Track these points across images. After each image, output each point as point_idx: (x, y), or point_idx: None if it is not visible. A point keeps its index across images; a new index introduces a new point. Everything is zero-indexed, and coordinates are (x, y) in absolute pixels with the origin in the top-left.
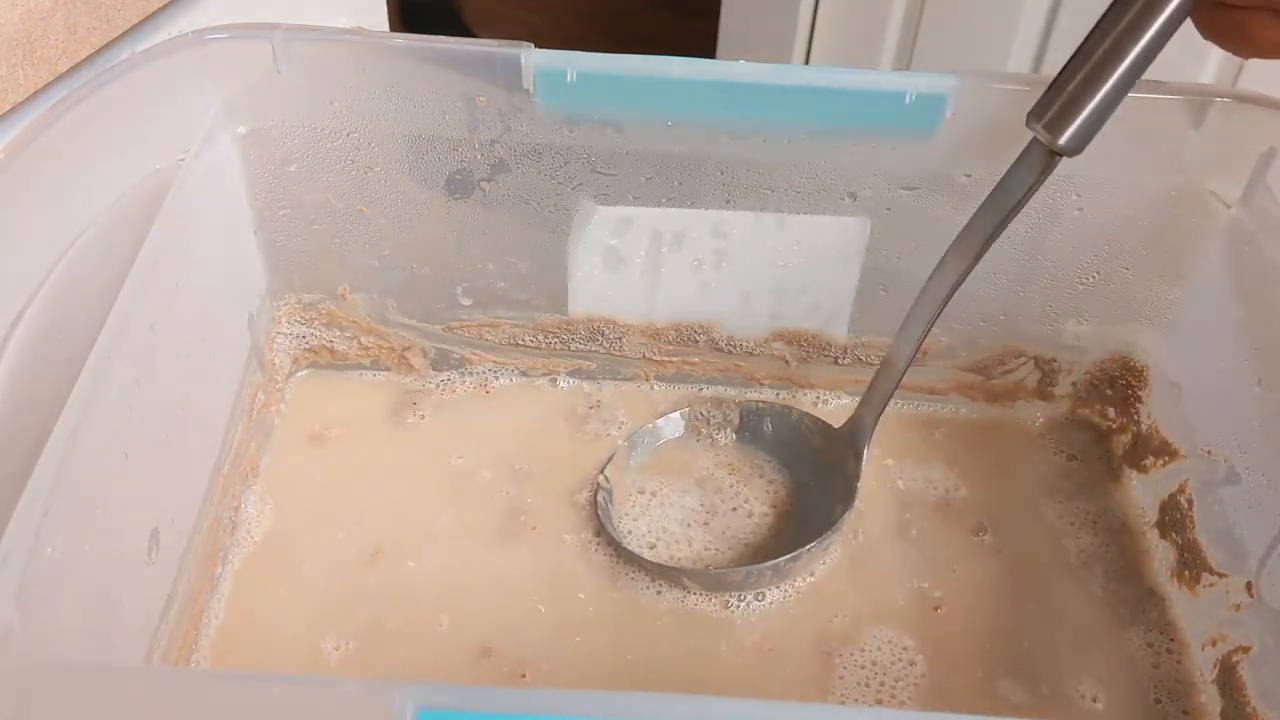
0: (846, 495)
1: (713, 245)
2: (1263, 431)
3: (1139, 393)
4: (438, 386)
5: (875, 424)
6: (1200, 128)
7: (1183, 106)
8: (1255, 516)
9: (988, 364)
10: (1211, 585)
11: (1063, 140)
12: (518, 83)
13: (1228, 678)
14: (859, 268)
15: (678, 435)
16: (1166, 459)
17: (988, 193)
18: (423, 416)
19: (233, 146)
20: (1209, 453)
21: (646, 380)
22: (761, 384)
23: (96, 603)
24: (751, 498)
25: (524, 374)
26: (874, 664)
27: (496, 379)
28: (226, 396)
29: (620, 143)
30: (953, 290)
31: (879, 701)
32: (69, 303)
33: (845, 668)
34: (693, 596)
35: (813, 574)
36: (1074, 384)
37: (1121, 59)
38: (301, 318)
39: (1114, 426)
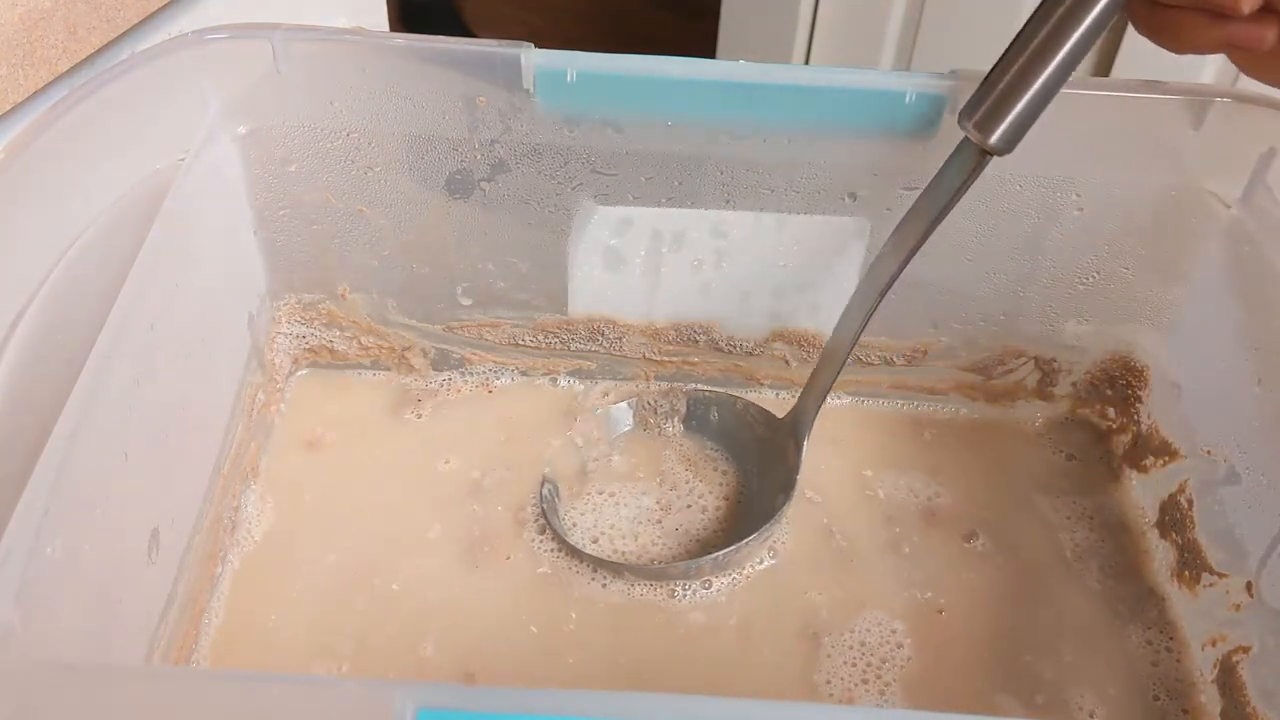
0: (787, 485)
1: (713, 245)
2: (1263, 431)
3: (1139, 393)
4: (438, 386)
5: (815, 415)
6: (1200, 128)
7: (1183, 106)
8: (1255, 516)
9: (988, 364)
10: (1211, 585)
11: (993, 140)
12: (518, 83)
13: (1228, 678)
14: (859, 268)
15: (627, 428)
16: (1166, 459)
17: (990, 191)
18: (422, 417)
19: (233, 146)
20: (1209, 453)
21: (646, 380)
22: (761, 384)
23: (96, 603)
24: (706, 492)
25: (524, 374)
26: (863, 644)
27: (497, 379)
28: (226, 396)
29: (620, 143)
30: (888, 286)
31: (866, 681)
32: (69, 303)
33: (834, 647)
34: (638, 589)
35: (773, 557)
36: (1074, 384)
37: (1049, 59)
38: (301, 318)
39: (1114, 426)
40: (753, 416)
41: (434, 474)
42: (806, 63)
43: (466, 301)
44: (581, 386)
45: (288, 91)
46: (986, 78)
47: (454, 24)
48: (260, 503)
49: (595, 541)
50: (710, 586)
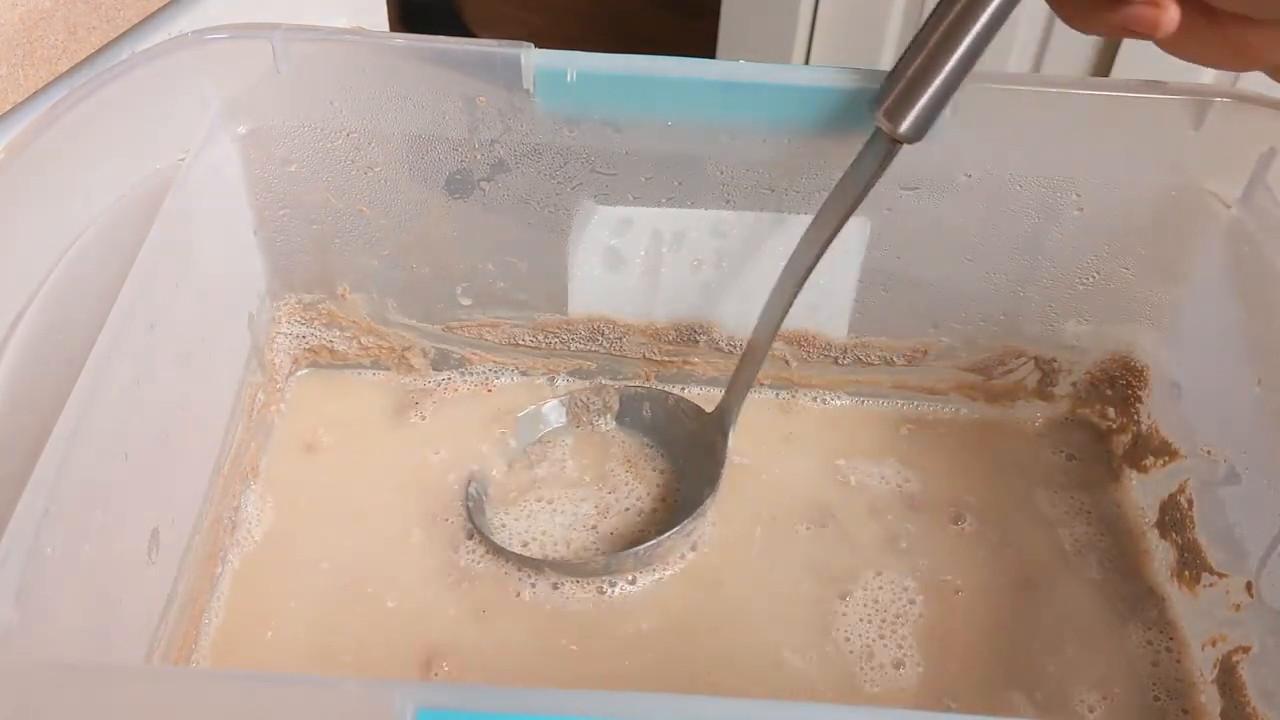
0: (713, 479)
1: (713, 245)
2: (1263, 431)
3: (1139, 393)
4: (438, 386)
5: (739, 407)
6: (1200, 128)
7: (1183, 106)
8: (1255, 516)
9: (988, 364)
10: (1211, 585)
11: (902, 128)
12: (518, 83)
13: (1228, 678)
14: (859, 268)
15: (559, 424)
16: (1166, 459)
17: (990, 191)
18: (423, 417)
19: (233, 146)
20: (1209, 453)
21: (646, 380)
22: (761, 384)
23: (96, 603)
24: (644, 493)
25: (524, 374)
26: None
27: (496, 379)
28: (226, 396)
29: (620, 143)
30: (805, 277)
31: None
32: (69, 303)
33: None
34: (566, 589)
35: (693, 550)
36: (1074, 384)
37: (955, 47)
38: (301, 318)
39: (1114, 426)
40: (683, 411)
41: (433, 473)
42: (806, 63)
43: (466, 301)
44: (581, 386)
45: (288, 91)
46: (894, 68)
47: (454, 24)
48: (260, 503)
49: (525, 546)
50: (635, 583)
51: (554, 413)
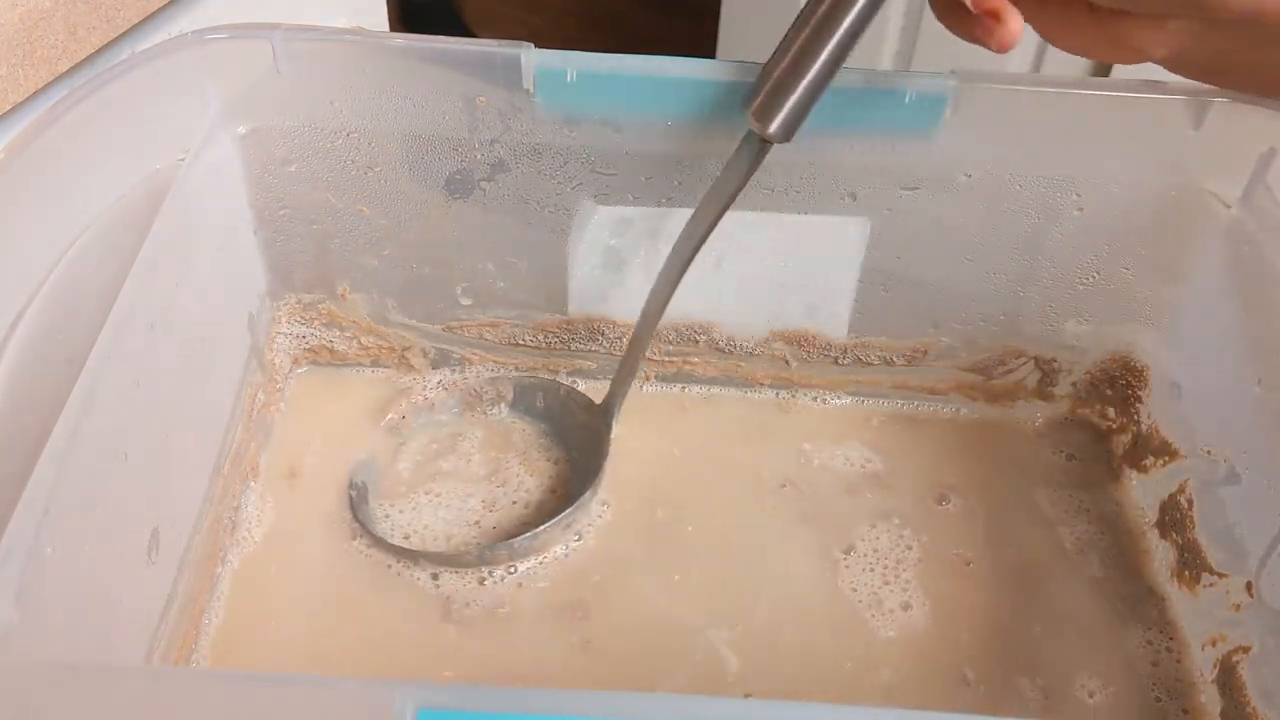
0: (596, 470)
1: (713, 245)
2: (1263, 431)
3: (1139, 393)
4: (437, 386)
5: (622, 401)
6: (1200, 128)
7: (1183, 106)
8: (1255, 516)
9: (988, 364)
10: (1211, 585)
11: (771, 129)
12: (518, 83)
13: (1228, 678)
14: (859, 268)
15: (455, 413)
16: (1166, 459)
17: (990, 191)
18: (423, 416)
19: (233, 146)
20: (1209, 453)
21: (647, 380)
22: (762, 384)
23: (96, 603)
24: (534, 486)
25: (524, 374)
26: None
27: (497, 378)
28: (226, 396)
29: (620, 143)
30: (681, 273)
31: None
32: (69, 303)
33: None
34: (445, 579)
35: (577, 539)
36: (1074, 384)
37: (821, 47)
38: (301, 318)
39: (1114, 426)
40: (575, 403)
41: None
42: None
43: (466, 301)
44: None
45: (288, 91)
46: (764, 68)
47: (454, 24)
48: (260, 503)
49: (407, 539)
50: (515, 571)
51: (447, 402)
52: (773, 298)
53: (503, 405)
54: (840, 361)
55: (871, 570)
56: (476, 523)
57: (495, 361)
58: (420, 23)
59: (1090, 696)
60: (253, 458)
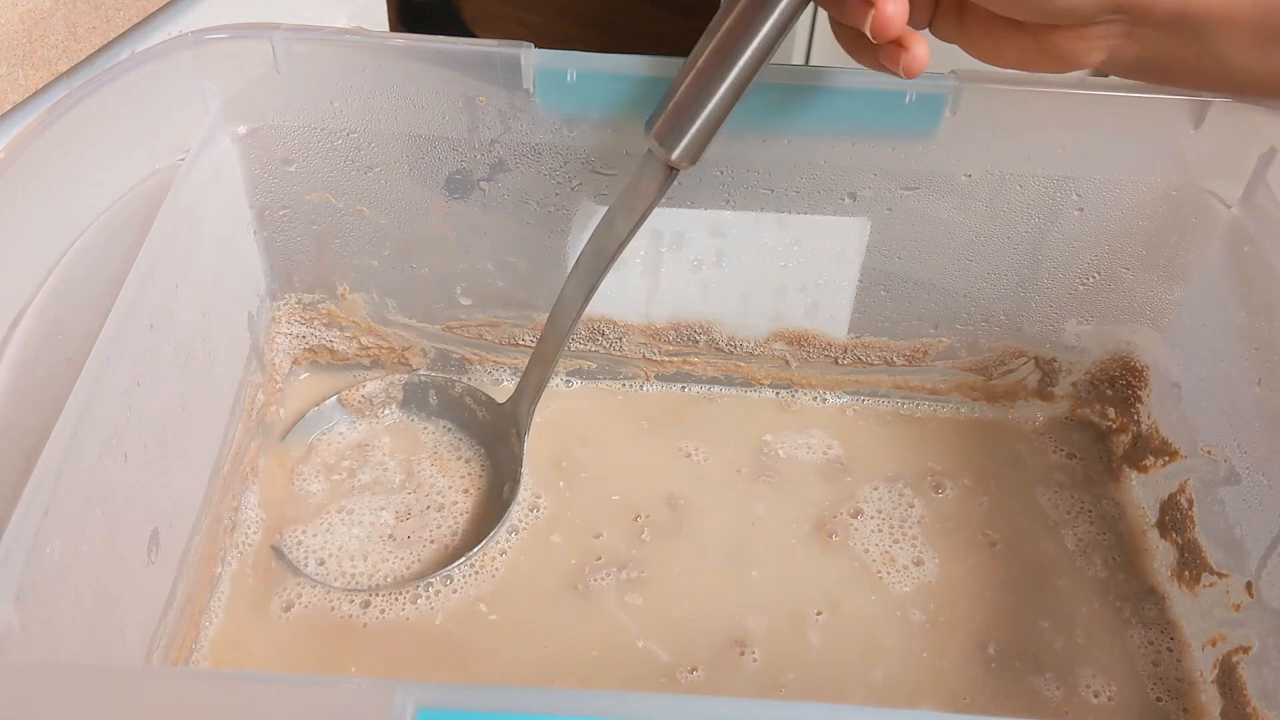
0: (514, 476)
1: (713, 245)
2: (1263, 431)
3: (1139, 393)
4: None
5: (532, 410)
6: (1200, 128)
7: (1183, 106)
8: (1255, 516)
9: (988, 364)
10: (1211, 585)
11: (674, 155)
12: (518, 83)
13: (1228, 677)
14: (859, 268)
15: (342, 418)
16: (1166, 459)
17: (990, 191)
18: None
19: (233, 146)
20: (1209, 453)
21: (647, 380)
22: (762, 384)
23: (96, 603)
24: (447, 487)
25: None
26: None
27: (496, 379)
28: (226, 396)
29: (620, 143)
30: (587, 298)
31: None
32: (69, 303)
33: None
34: (376, 604)
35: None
36: (1074, 384)
37: (724, 76)
38: (301, 318)
39: (1114, 426)
40: (474, 400)
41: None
42: (806, 63)
43: (466, 301)
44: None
45: (288, 91)
46: (668, 92)
47: (454, 24)
48: (260, 503)
49: (322, 564)
50: (451, 582)
51: (332, 411)
52: (773, 298)
53: (393, 405)
54: (840, 361)
55: (873, 569)
56: (390, 536)
57: (495, 362)
58: (420, 23)
59: (1092, 696)
60: (253, 458)
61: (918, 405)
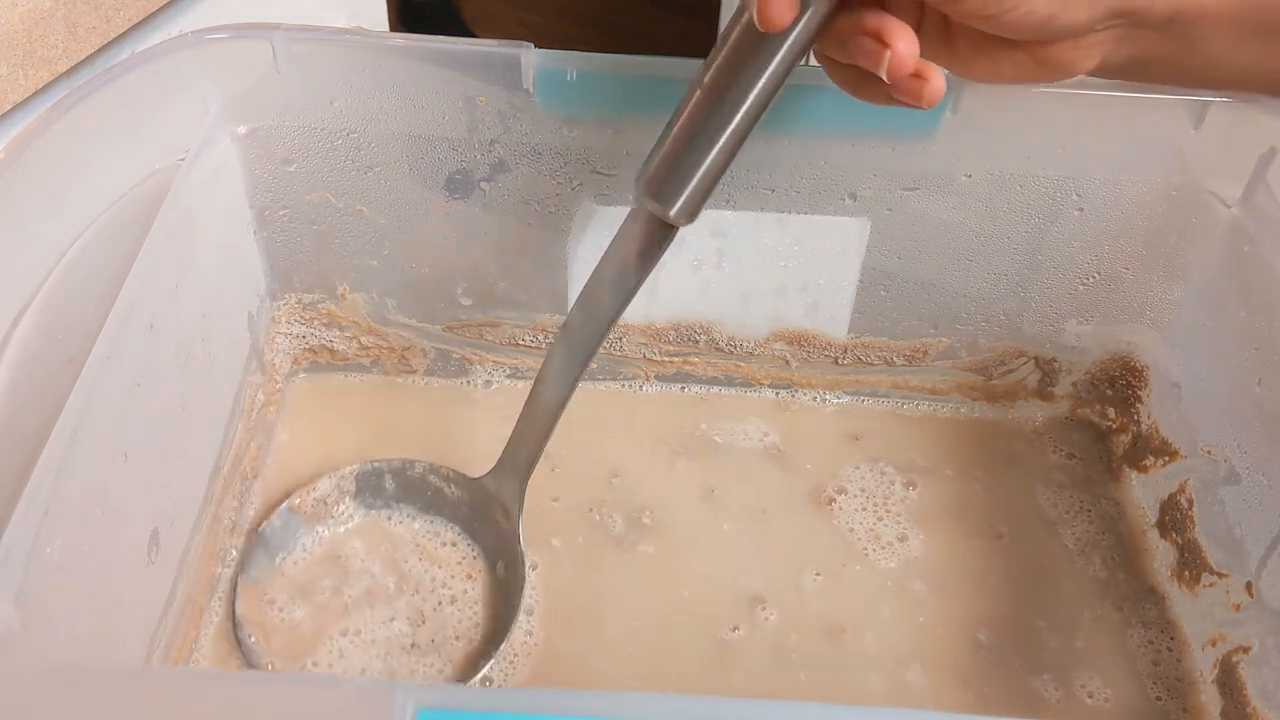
0: (512, 555)
1: (713, 245)
2: (1263, 431)
3: (1139, 393)
4: (437, 386)
5: (523, 488)
6: (1200, 128)
7: (1183, 106)
8: (1255, 516)
9: (988, 364)
10: (1211, 585)
11: (673, 211)
12: (518, 83)
13: (1228, 677)
14: (859, 268)
15: (300, 529)
16: (1166, 459)
17: (990, 191)
18: (422, 416)
19: (233, 146)
20: (1209, 453)
21: (646, 380)
22: (762, 384)
23: (96, 603)
24: (448, 578)
25: (524, 374)
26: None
27: (496, 379)
28: (226, 396)
29: (620, 143)
30: (582, 370)
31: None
32: (69, 303)
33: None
34: None
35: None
36: (1074, 384)
37: (723, 129)
38: (301, 318)
39: (1114, 426)
40: (439, 477)
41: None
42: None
43: (466, 301)
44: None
45: (288, 91)
46: (659, 143)
47: (454, 24)
48: (260, 503)
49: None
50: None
51: (289, 524)
52: (773, 298)
53: (347, 499)
54: (840, 361)
55: (870, 569)
56: (413, 645)
57: (495, 362)
58: (420, 23)
59: (1090, 696)
60: (253, 458)
61: (918, 405)
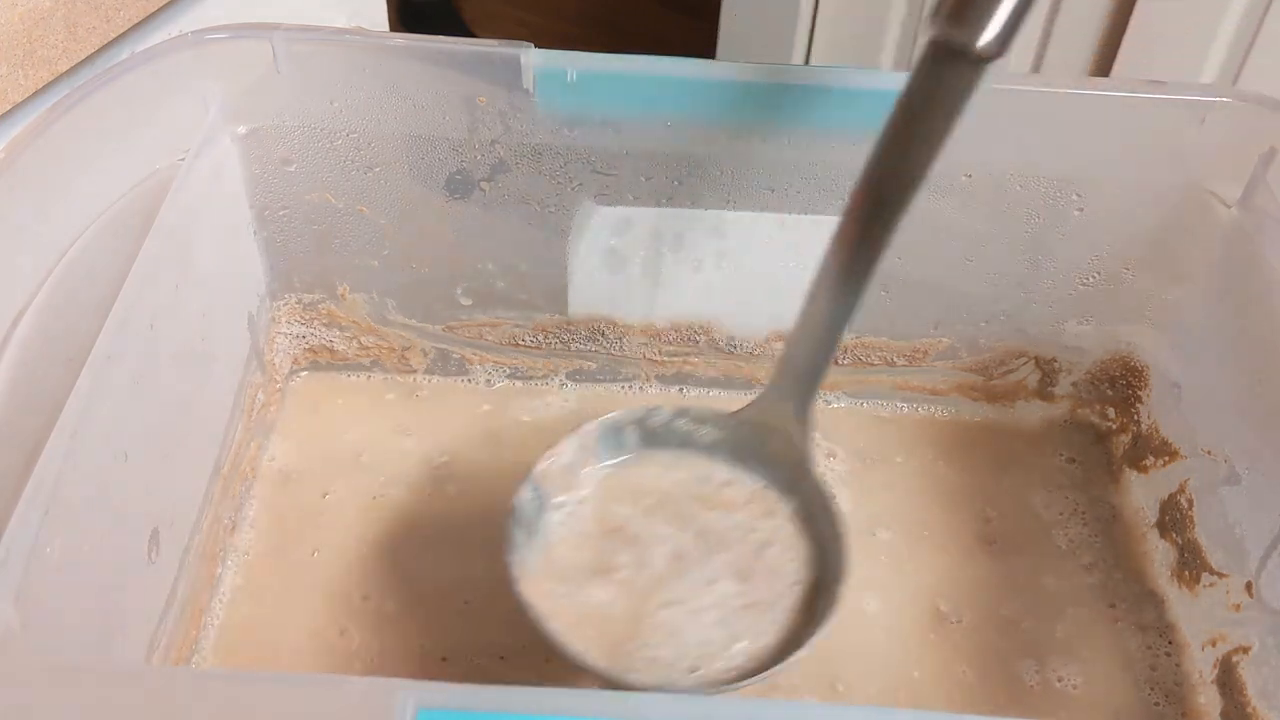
0: (804, 479)
1: (713, 245)
2: (1263, 431)
3: (1139, 393)
4: (437, 386)
5: (808, 401)
6: (1200, 128)
7: (1183, 106)
8: (1255, 516)
9: (988, 364)
10: (1211, 585)
11: (982, 40)
12: (518, 83)
13: (1228, 678)
14: None
15: (548, 505)
16: (1166, 459)
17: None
18: (422, 416)
19: (233, 146)
20: (1209, 453)
21: (647, 381)
22: (762, 384)
23: (96, 603)
24: (750, 520)
25: (524, 374)
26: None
27: (496, 379)
28: (226, 396)
29: (620, 143)
30: (878, 257)
31: None
32: (69, 303)
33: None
34: None
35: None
36: (1074, 384)
37: None
38: (301, 318)
39: (1114, 427)
40: (690, 418)
41: (433, 473)
42: (806, 63)
43: (466, 301)
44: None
45: (288, 91)
46: None
47: (454, 24)
48: (260, 503)
49: (694, 671)
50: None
51: (533, 499)
52: (773, 298)
53: (592, 465)
54: (840, 362)
55: (867, 571)
56: (749, 605)
57: (495, 362)
58: (420, 23)
59: (1089, 696)
60: (253, 458)
61: (918, 405)
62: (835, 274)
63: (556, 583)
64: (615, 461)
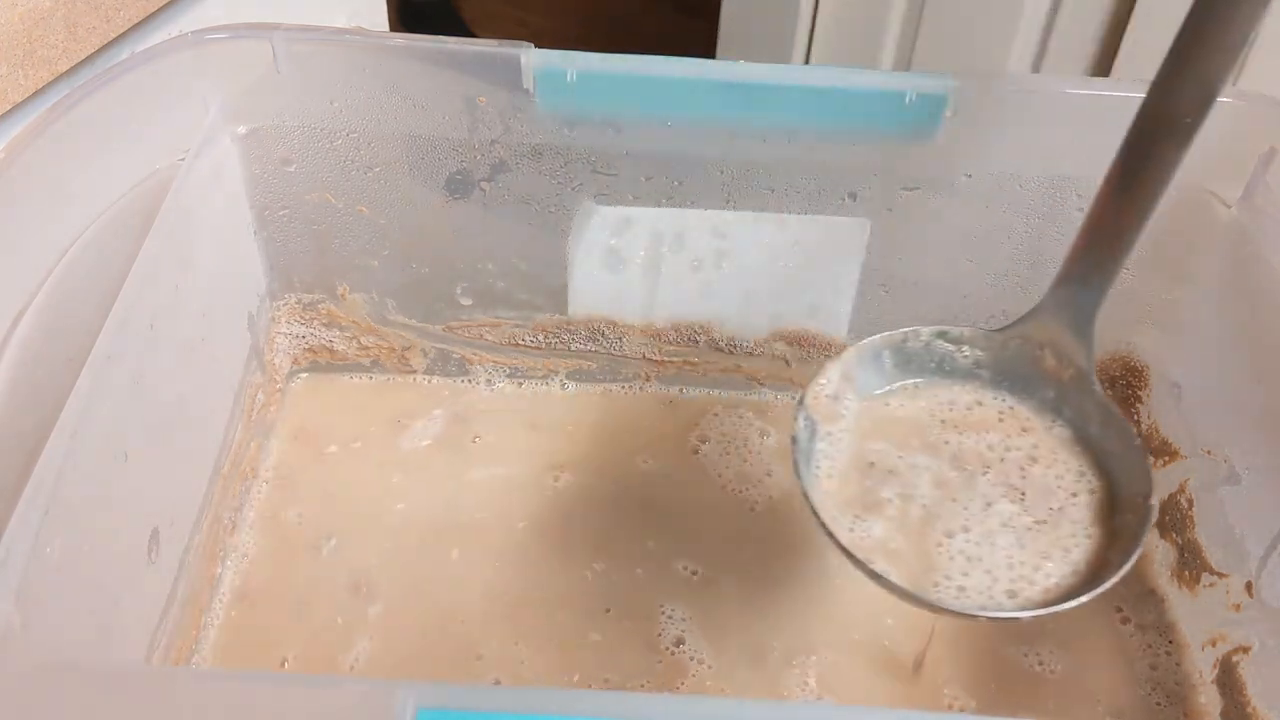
0: (1106, 413)
1: (713, 245)
2: (1263, 431)
3: (1139, 393)
4: (437, 386)
5: (1091, 317)
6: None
7: None
8: (1255, 516)
9: None
10: (1211, 585)
11: None
12: (518, 83)
13: (1228, 678)
14: (859, 268)
15: (818, 433)
16: (1166, 459)
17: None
18: (422, 416)
19: (233, 146)
20: (1209, 453)
21: (647, 380)
22: (762, 384)
23: (96, 603)
24: (1005, 440)
25: (524, 374)
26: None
27: (496, 379)
28: (226, 396)
29: (620, 143)
30: (1179, 159)
31: None
32: (69, 303)
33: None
34: None
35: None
36: None
37: None
38: (301, 318)
39: None
40: (949, 339)
41: (433, 473)
42: (806, 63)
43: (466, 301)
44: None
45: (288, 91)
46: None
47: (454, 24)
48: (260, 503)
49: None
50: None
51: (809, 428)
52: (773, 298)
53: (850, 396)
54: None
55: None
56: (1040, 523)
57: (495, 362)
58: (420, 23)
59: (1089, 696)
60: (253, 458)
61: None
62: (1125, 171)
63: (837, 512)
64: (872, 393)
